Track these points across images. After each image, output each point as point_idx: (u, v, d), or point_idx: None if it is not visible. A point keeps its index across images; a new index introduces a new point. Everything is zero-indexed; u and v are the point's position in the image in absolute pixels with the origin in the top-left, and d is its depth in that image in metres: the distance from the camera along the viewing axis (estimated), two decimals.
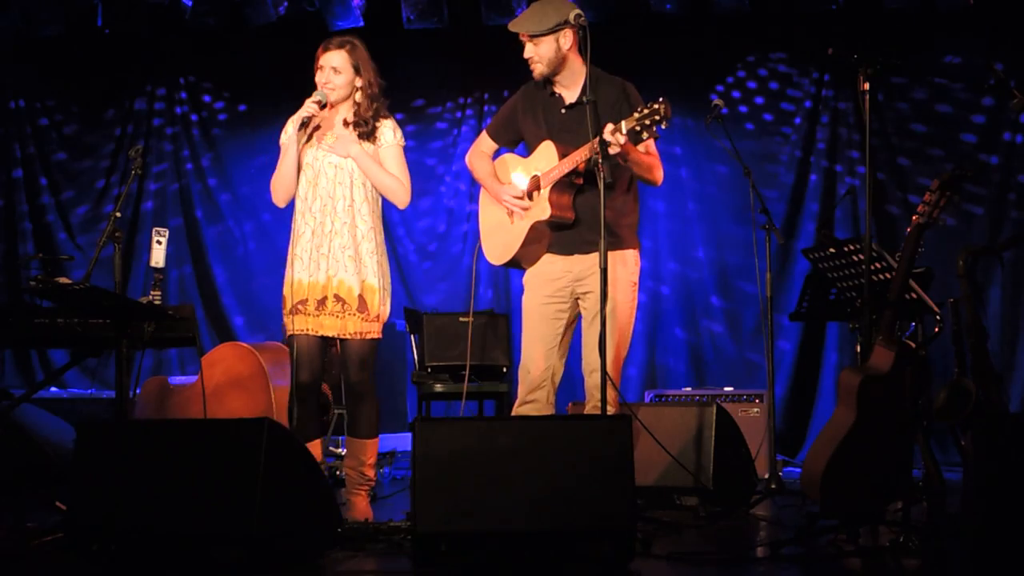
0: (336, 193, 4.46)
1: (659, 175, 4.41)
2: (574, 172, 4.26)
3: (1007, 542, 3.29)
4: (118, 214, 4.82)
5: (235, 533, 3.42)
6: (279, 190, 4.53)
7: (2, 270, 8.24)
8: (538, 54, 4.36)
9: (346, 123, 4.53)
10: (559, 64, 4.37)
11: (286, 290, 4.47)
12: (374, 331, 4.48)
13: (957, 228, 7.08)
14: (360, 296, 4.43)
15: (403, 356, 7.00)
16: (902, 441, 3.89)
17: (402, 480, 6.29)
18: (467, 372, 5.46)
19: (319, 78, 4.50)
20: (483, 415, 6.36)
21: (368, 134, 4.51)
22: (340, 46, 4.51)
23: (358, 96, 4.54)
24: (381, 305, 4.49)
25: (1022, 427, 3.59)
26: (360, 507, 4.49)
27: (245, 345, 5.81)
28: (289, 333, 4.48)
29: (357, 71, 4.51)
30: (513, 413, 4.52)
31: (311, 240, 4.44)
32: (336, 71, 4.48)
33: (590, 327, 4.35)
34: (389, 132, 4.56)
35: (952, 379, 4.45)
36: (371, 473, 4.58)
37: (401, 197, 4.55)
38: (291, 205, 4.55)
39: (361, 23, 7.54)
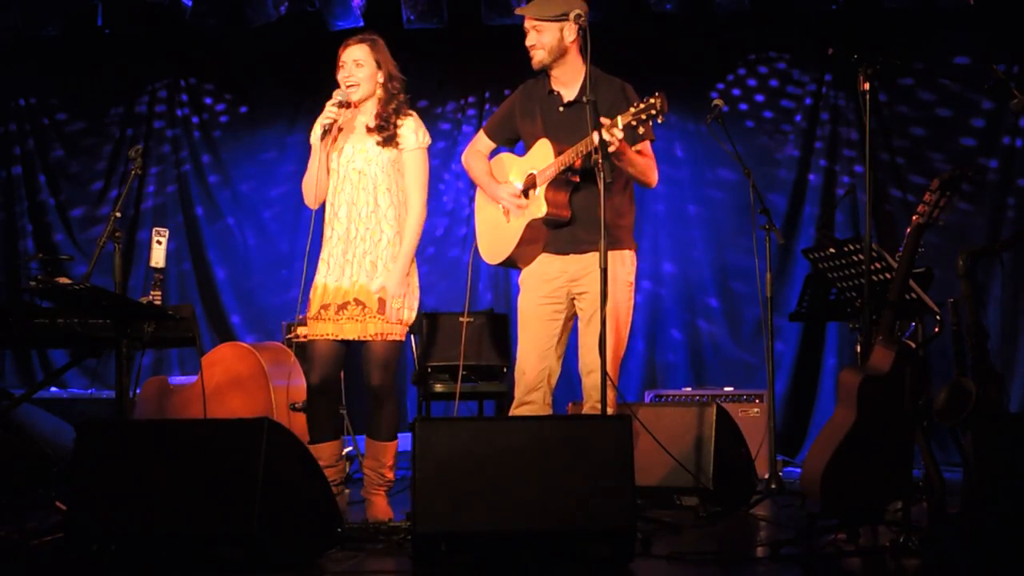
0: (359, 199, 4.44)
1: (653, 177, 4.38)
2: (570, 169, 4.24)
3: (1007, 542, 3.30)
4: (118, 214, 4.82)
5: (235, 533, 3.43)
6: (308, 193, 4.53)
7: (2, 270, 8.24)
8: (540, 41, 4.34)
9: (369, 129, 4.47)
10: (559, 55, 4.35)
11: (311, 292, 4.46)
12: (396, 333, 4.42)
13: (957, 228, 7.08)
14: (380, 299, 4.38)
15: (403, 356, 6.99)
16: (902, 441, 3.89)
17: (402, 480, 6.28)
18: (460, 371, 5.47)
19: (341, 75, 4.48)
20: (483, 415, 6.36)
21: (389, 138, 4.46)
22: (361, 41, 4.50)
23: (379, 92, 4.49)
24: (407, 309, 4.44)
25: (1022, 427, 3.59)
26: (381, 506, 4.47)
27: (245, 345, 5.81)
28: (305, 338, 4.44)
29: (379, 65, 4.48)
30: (509, 415, 4.52)
31: (337, 245, 4.44)
32: (358, 64, 4.45)
33: (587, 327, 4.32)
34: (411, 135, 4.48)
35: (952, 379, 4.46)
36: (390, 475, 4.55)
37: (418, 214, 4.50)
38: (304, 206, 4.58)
39: (361, 23, 7.54)
